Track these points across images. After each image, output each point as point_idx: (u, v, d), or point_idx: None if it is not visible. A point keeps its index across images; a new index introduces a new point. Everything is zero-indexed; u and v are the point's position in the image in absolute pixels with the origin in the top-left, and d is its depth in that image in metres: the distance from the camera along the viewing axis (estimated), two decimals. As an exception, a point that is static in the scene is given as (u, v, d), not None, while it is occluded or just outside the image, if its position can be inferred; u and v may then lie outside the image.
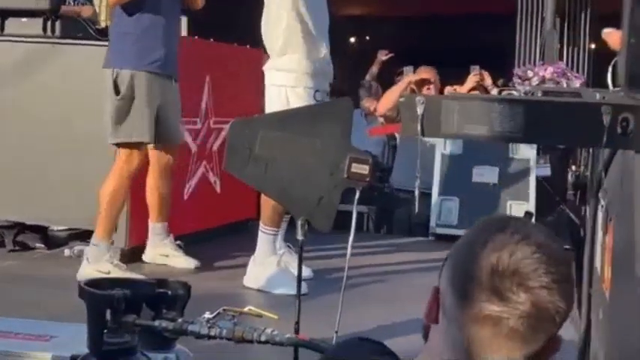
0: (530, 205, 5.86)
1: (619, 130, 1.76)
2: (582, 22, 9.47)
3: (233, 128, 2.57)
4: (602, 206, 2.15)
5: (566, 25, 9.37)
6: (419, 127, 1.95)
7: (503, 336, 1.19)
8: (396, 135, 6.94)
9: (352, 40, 14.33)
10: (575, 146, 4.17)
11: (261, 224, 4.48)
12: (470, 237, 1.27)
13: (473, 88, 6.50)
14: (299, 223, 2.58)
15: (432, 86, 6.69)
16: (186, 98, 5.41)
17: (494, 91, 6.41)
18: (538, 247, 1.20)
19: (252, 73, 5.78)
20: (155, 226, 4.88)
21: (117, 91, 4.42)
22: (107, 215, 4.47)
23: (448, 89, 8.41)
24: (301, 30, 4.53)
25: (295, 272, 4.27)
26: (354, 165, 2.55)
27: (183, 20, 11.33)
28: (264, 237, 4.45)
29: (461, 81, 6.82)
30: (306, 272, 4.65)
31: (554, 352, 1.24)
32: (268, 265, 4.44)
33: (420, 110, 1.95)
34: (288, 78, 4.54)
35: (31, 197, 5.05)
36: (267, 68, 4.65)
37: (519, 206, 5.88)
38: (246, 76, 5.95)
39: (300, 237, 2.59)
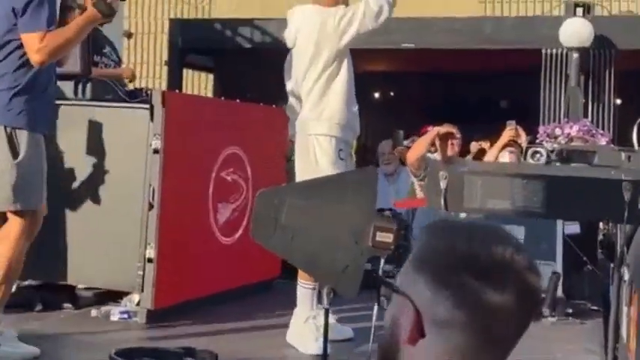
0: (558, 265, 5.83)
1: (640, 207, 1.78)
2: (607, 78, 9.49)
3: (260, 198, 2.61)
4: (625, 281, 2.16)
5: (590, 81, 9.39)
6: (442, 202, 1.98)
7: (503, 321, 1.27)
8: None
9: (376, 94, 14.44)
10: (598, 221, 4.15)
11: (299, 279, 4.52)
12: (444, 244, 1.32)
13: (507, 144, 6.50)
14: (324, 291, 2.60)
15: (455, 141, 6.73)
16: (212, 158, 5.48)
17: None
18: (516, 245, 1.32)
19: (277, 131, 5.86)
20: None
21: (15, 154, 4.04)
22: (8, 283, 4.16)
23: (474, 145, 8.43)
24: (341, 80, 4.63)
25: (334, 334, 4.32)
26: (378, 234, 2.58)
27: (210, 78, 11.43)
28: (303, 291, 4.51)
29: (491, 138, 6.84)
30: (348, 333, 4.68)
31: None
32: (305, 321, 4.48)
33: (443, 185, 1.98)
34: (321, 126, 4.62)
35: (58, 257, 5.10)
36: (302, 119, 4.72)
37: (546, 266, 5.85)
38: (272, 135, 6.03)
39: (325, 306, 2.61)
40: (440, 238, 1.33)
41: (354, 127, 4.75)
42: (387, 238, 2.60)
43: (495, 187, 1.97)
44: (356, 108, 4.74)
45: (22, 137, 4.04)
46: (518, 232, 6.14)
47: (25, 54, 4.02)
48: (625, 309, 2.21)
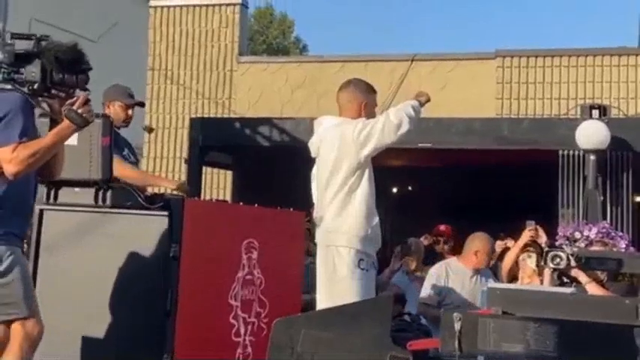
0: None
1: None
2: (624, 178, 9.52)
3: (276, 327, 2.63)
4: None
5: (608, 182, 9.42)
6: (456, 344, 2.00)
7: None
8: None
9: (394, 190, 14.51)
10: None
11: None
12: None
13: (527, 245, 6.53)
14: (340, 423, 2.59)
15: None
16: (230, 264, 5.49)
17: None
18: None
19: (296, 236, 5.89)
20: None
21: None
22: None
23: (499, 244, 8.42)
24: (362, 193, 4.66)
25: None
26: (394, 364, 2.58)
27: (229, 174, 11.39)
28: None
29: (515, 236, 6.85)
30: None
31: None
32: None
33: (457, 327, 2.00)
34: (339, 238, 4.63)
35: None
36: (323, 230, 4.74)
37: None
38: (290, 239, 6.04)
39: None
40: None
41: (375, 240, 4.75)
42: (403, 368, 2.60)
43: (509, 330, 1.98)
44: (377, 221, 4.76)
45: (19, 254, 4.19)
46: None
47: None
48: None
